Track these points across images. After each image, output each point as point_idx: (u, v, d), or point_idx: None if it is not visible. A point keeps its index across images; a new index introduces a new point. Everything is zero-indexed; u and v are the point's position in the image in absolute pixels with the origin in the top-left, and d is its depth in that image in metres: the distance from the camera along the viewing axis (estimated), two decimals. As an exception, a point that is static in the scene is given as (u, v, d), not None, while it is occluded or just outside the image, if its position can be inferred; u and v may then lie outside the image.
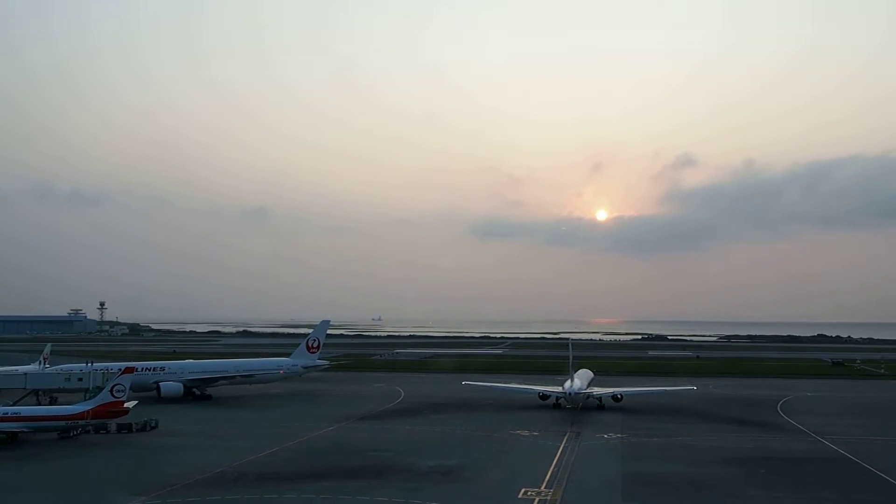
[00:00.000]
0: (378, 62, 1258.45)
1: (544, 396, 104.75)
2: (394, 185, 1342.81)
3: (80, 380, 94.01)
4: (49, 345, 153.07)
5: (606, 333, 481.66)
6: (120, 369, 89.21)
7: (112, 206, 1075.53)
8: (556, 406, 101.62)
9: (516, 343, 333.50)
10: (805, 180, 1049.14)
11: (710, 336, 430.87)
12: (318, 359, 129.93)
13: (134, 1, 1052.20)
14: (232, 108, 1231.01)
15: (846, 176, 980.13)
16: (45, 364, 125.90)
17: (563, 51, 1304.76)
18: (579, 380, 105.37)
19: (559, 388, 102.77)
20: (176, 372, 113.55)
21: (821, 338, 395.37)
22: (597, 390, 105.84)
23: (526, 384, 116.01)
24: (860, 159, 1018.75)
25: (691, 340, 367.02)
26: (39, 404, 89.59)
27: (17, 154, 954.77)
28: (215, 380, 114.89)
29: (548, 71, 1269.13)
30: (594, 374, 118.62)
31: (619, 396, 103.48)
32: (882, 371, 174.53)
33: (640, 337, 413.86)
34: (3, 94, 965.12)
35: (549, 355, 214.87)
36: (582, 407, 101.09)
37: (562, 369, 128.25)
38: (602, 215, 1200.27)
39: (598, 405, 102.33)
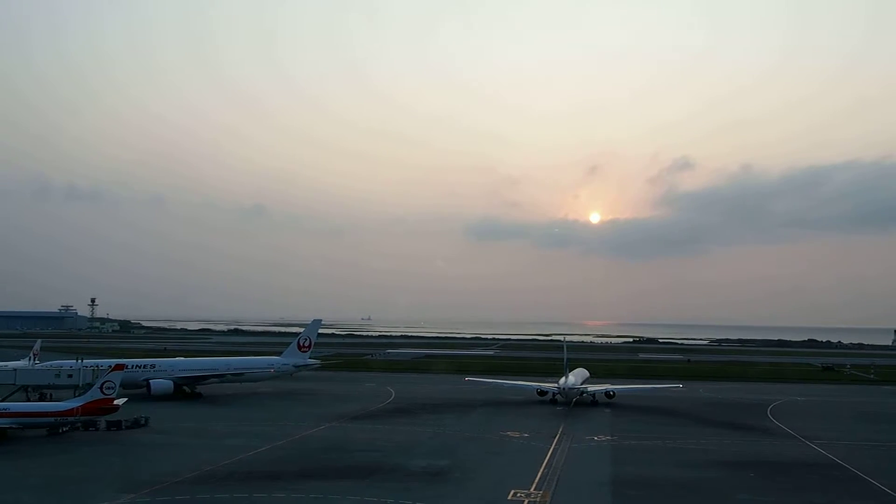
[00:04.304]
0: (375, 62, 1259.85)
1: (542, 392, 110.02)
2: (390, 184, 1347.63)
3: (70, 376, 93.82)
4: (39, 341, 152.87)
5: (598, 336, 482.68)
6: (110, 366, 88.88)
7: (108, 202, 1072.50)
8: (553, 401, 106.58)
9: (507, 344, 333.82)
10: (801, 185, 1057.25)
11: (700, 339, 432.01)
12: (310, 358, 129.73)
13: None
14: (231, 105, 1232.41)
15: (841, 181, 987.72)
16: (34, 360, 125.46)
17: (562, 52, 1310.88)
18: (574, 377, 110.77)
19: (555, 385, 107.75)
20: (166, 369, 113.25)
21: (811, 342, 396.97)
22: (590, 387, 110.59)
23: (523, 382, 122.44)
24: (856, 165, 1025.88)
25: (682, 344, 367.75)
26: (29, 400, 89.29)
27: (13, 148, 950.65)
28: (206, 378, 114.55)
29: (546, 72, 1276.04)
30: (590, 374, 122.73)
31: (611, 393, 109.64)
32: (872, 376, 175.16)
33: (631, 340, 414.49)
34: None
35: (541, 357, 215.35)
36: (576, 402, 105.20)
37: (552, 371, 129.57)
38: (597, 217, 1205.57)
39: (592, 401, 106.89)
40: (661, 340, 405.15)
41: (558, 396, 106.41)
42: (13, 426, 72.56)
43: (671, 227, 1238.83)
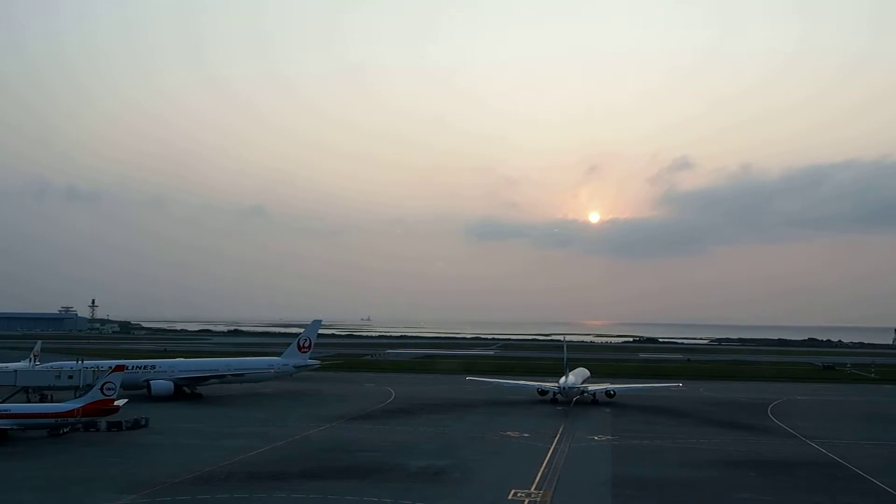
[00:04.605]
0: (375, 62, 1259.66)
1: (543, 392, 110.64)
2: (390, 185, 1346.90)
3: (71, 377, 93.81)
4: (39, 342, 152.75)
5: (598, 336, 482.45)
6: (110, 367, 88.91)
7: (108, 203, 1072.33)
8: (554, 401, 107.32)
9: (507, 344, 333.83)
10: (800, 184, 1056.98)
11: (700, 339, 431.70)
12: (309, 358, 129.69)
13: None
14: (229, 106, 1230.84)
15: (841, 180, 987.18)
16: (35, 361, 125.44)
17: (561, 53, 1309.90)
18: (574, 376, 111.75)
19: (556, 385, 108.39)
20: (166, 370, 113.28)
21: (811, 342, 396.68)
22: (591, 386, 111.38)
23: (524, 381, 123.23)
24: (855, 164, 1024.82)
25: (682, 343, 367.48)
26: (29, 402, 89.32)
27: (13, 151, 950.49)
28: (206, 378, 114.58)
29: (545, 72, 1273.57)
30: (590, 374, 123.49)
31: (611, 392, 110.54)
32: (872, 375, 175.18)
33: (631, 339, 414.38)
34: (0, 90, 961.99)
35: (541, 357, 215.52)
36: (577, 402, 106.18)
37: (552, 371, 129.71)
38: (597, 217, 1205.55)
39: (592, 400, 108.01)
40: (661, 340, 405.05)
41: (559, 396, 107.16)
42: (14, 427, 72.60)
43: (671, 227, 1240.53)
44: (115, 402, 78.16)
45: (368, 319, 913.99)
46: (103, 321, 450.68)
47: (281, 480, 56.61)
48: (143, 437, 76.63)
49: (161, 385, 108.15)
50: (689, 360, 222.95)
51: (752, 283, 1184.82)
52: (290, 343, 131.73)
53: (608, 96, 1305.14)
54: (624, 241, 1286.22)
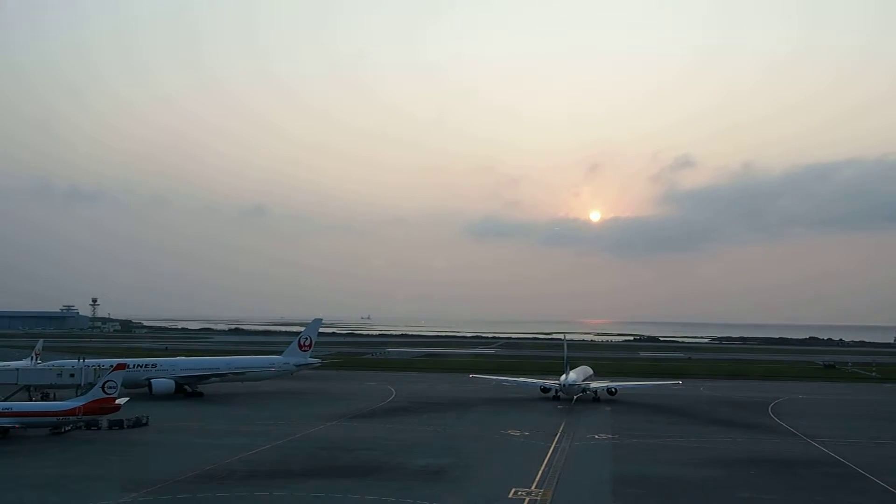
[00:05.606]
0: (375, 62, 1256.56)
1: (545, 389, 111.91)
2: (390, 185, 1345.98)
3: (72, 376, 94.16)
4: (41, 340, 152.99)
5: (599, 334, 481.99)
6: (112, 366, 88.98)
7: (109, 203, 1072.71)
8: (556, 398, 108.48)
9: (508, 343, 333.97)
10: (803, 183, 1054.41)
11: (701, 338, 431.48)
12: (310, 357, 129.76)
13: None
14: (230, 106, 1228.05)
15: (844, 179, 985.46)
16: (36, 360, 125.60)
17: (562, 51, 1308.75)
18: (575, 374, 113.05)
19: (557, 382, 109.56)
20: (167, 369, 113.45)
21: (812, 340, 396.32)
22: (592, 384, 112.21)
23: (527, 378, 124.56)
24: (858, 162, 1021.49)
25: (683, 342, 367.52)
26: (31, 400, 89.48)
27: (14, 151, 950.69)
28: (207, 377, 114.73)
29: (546, 71, 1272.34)
30: (593, 372, 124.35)
31: (613, 390, 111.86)
32: (873, 374, 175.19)
33: (631, 338, 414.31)
34: (0, 92, 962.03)
35: (542, 355, 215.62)
36: (578, 399, 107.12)
37: (554, 369, 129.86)
38: (598, 216, 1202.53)
39: (594, 398, 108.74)
40: (661, 339, 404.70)
41: (560, 393, 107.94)
42: (16, 425, 72.71)
43: (672, 226, 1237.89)
44: (117, 401, 78.21)
45: (368, 318, 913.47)
46: (104, 320, 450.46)
47: (282, 478, 56.70)
48: (145, 435, 76.76)
49: (162, 384, 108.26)
50: (689, 358, 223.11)
51: (754, 282, 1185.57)
52: (291, 342, 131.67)
53: (609, 94, 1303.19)
54: (625, 240, 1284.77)
